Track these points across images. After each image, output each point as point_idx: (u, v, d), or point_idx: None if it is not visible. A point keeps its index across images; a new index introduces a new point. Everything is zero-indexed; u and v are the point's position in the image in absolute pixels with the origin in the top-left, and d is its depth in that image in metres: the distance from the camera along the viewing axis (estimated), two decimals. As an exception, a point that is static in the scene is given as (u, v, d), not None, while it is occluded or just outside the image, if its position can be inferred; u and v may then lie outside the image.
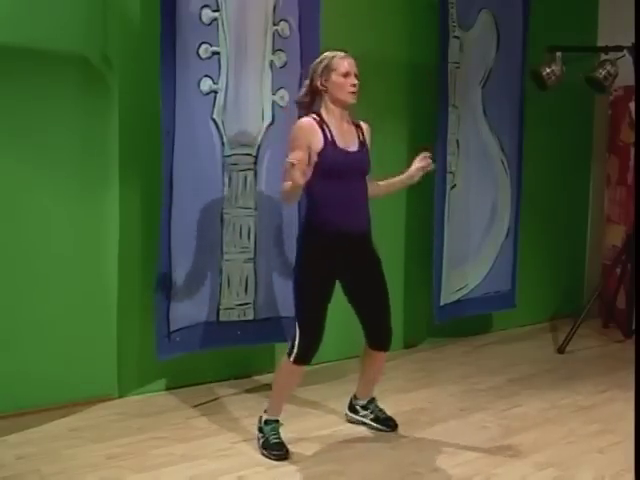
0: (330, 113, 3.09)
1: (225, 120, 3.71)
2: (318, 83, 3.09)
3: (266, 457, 3.11)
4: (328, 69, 3.07)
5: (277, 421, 3.22)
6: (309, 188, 2.99)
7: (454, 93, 4.64)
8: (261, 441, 3.19)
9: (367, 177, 3.18)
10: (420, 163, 3.22)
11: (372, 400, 3.49)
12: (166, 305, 3.59)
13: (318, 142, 3.00)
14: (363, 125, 3.23)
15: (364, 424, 3.48)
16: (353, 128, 3.17)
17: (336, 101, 3.09)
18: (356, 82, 3.08)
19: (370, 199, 3.21)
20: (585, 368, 4.54)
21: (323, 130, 3.03)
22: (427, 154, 3.23)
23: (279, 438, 3.17)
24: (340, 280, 3.18)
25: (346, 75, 3.06)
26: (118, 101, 3.62)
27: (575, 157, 5.88)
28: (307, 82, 3.15)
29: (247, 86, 3.76)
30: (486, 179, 4.95)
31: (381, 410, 3.48)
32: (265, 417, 3.23)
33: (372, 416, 3.46)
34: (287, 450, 3.13)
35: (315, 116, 3.07)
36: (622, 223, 5.65)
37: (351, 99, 3.09)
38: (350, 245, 3.10)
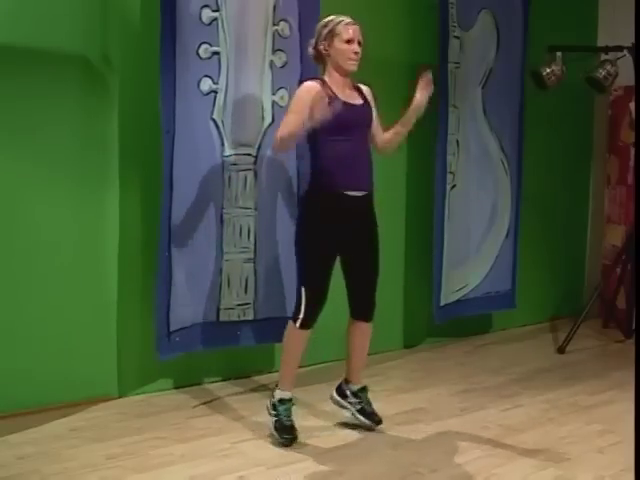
0: (332, 78, 3.14)
1: (225, 120, 3.71)
2: (321, 47, 3.13)
3: (274, 438, 3.17)
4: (332, 34, 3.11)
5: (291, 400, 3.24)
6: (314, 146, 3.06)
7: (454, 93, 4.64)
8: (274, 420, 3.21)
9: (376, 134, 3.25)
10: (423, 88, 3.17)
11: (364, 389, 3.42)
12: (166, 305, 3.59)
13: (321, 99, 2.99)
14: (363, 87, 3.27)
15: (349, 413, 3.41)
16: (355, 91, 3.21)
17: (337, 68, 3.12)
18: (358, 50, 3.11)
19: (384, 153, 3.31)
20: (585, 368, 4.54)
21: (325, 90, 3.07)
22: (428, 74, 3.16)
23: (292, 421, 3.21)
24: (339, 243, 3.18)
25: (349, 42, 3.09)
26: (118, 101, 3.61)
27: (575, 157, 5.88)
28: (312, 41, 3.18)
29: (247, 86, 3.76)
30: (486, 179, 4.95)
31: (369, 403, 3.42)
32: (279, 394, 3.24)
33: (359, 407, 3.39)
34: (296, 435, 3.19)
35: (318, 80, 3.12)
36: (622, 223, 5.65)
37: (351, 67, 3.12)
38: (353, 207, 3.12)
